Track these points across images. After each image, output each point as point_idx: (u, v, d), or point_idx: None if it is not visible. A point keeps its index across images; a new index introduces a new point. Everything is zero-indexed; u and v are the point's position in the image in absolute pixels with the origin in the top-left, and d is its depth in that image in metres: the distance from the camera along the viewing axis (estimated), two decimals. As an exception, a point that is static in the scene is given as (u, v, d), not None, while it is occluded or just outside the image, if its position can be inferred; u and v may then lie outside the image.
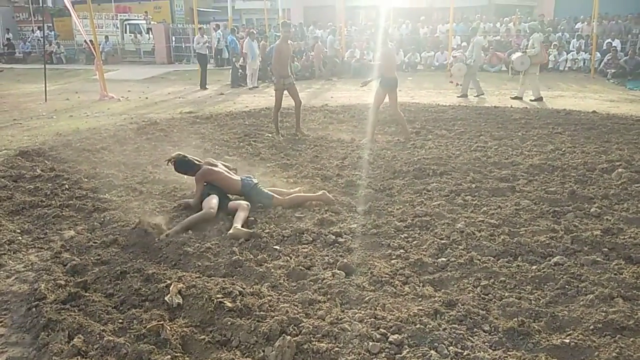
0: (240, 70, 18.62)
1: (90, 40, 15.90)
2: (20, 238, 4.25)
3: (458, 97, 13.06)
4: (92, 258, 3.84)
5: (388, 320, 2.91)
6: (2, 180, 5.81)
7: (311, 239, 4.13)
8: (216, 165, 5.01)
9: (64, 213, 4.77)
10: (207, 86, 17.42)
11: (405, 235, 4.22)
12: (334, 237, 4.13)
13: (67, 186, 5.63)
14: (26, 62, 28.04)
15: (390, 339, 2.74)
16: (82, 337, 2.79)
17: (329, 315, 2.96)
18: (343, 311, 3.02)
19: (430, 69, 21.03)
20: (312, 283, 3.42)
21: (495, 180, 5.68)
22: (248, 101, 13.41)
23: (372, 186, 5.54)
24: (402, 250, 3.93)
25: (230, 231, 4.15)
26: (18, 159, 6.82)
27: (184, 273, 3.54)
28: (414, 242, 4.07)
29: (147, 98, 14.38)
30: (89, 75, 20.97)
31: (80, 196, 5.30)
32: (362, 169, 6.27)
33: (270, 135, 8.47)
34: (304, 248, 3.98)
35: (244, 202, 4.61)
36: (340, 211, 4.76)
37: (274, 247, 3.99)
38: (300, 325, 2.86)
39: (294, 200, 4.93)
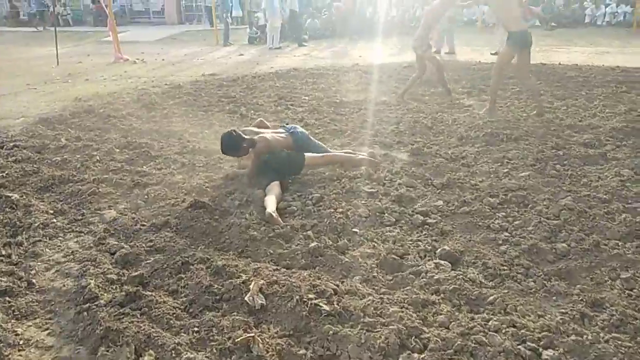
0: (255, 30, 17.74)
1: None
2: (54, 220, 3.67)
3: (492, 54, 12.27)
4: (143, 245, 3.26)
5: (531, 329, 2.32)
6: (24, 151, 5.22)
7: (394, 220, 3.52)
8: (261, 130, 4.43)
9: (100, 189, 4.17)
10: (230, 42, 16.80)
11: (503, 214, 3.59)
12: (421, 217, 3.51)
13: (98, 158, 5.02)
14: (31, 24, 27.06)
15: (544, 356, 2.16)
16: (154, 354, 2.23)
17: (454, 323, 2.38)
18: (471, 318, 2.43)
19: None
20: (414, 277, 2.83)
21: (580, 146, 4.99)
22: (272, 62, 12.64)
23: (442, 154, 4.88)
24: (506, 233, 3.31)
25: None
26: (39, 127, 6.21)
27: (257, 264, 2.96)
28: (516, 223, 3.44)
29: (163, 60, 13.64)
30: (99, 37, 20.15)
31: (115, 169, 4.70)
32: (422, 135, 5.60)
33: (306, 98, 7.76)
34: (389, 231, 3.37)
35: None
36: (415, 185, 4.13)
37: (353, 229, 3.39)
38: (422, 336, 2.29)
39: (331, 159, 4.44)
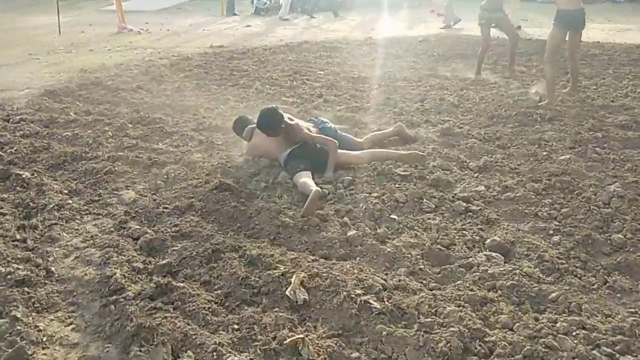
0: (263, 1, 17.23)
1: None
2: (70, 201, 3.44)
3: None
4: (168, 230, 3.04)
5: (603, 331, 2.13)
6: (32, 125, 4.96)
7: (434, 206, 3.30)
8: (293, 118, 4.11)
9: (116, 168, 3.93)
10: (236, 12, 16.39)
11: (549, 200, 3.37)
12: (463, 204, 3.29)
13: (110, 133, 4.77)
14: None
15: (623, 364, 1.97)
16: (193, 355, 2.03)
17: (518, 324, 2.18)
18: (536, 318, 2.23)
19: None
20: (464, 270, 2.62)
21: (616, 128, 4.73)
22: (281, 34, 12.23)
23: (474, 134, 4.64)
24: (556, 223, 3.09)
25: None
26: (45, 100, 5.93)
27: (292, 253, 2.75)
28: (564, 211, 3.21)
29: (168, 30, 13.19)
30: (99, 6, 19.55)
31: (130, 146, 4.45)
32: (450, 114, 5.34)
33: (322, 73, 7.45)
34: (430, 218, 3.16)
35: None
36: (450, 167, 3.90)
37: (391, 216, 3.17)
38: (486, 339, 2.09)
39: (371, 157, 4.00)
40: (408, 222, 3.12)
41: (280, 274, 2.48)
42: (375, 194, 3.41)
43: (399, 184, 3.62)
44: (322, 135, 3.96)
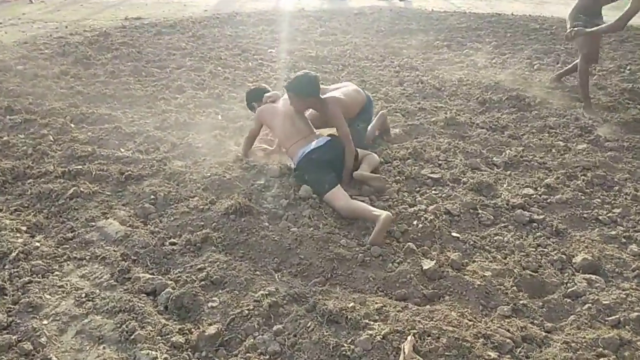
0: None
1: None
2: (37, 244, 2.57)
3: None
4: (192, 277, 2.32)
5: None
6: None
7: (492, 217, 2.90)
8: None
9: (80, 187, 3.05)
10: None
11: (598, 200, 3.11)
12: (522, 212, 2.92)
13: (52, 138, 3.79)
14: None
15: None
16: None
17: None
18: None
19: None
20: (571, 301, 2.26)
21: (609, 110, 4.67)
22: (200, 2, 11.11)
23: (478, 123, 4.30)
24: (621, 228, 2.84)
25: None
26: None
27: (376, 301, 2.20)
28: (617, 211, 2.98)
29: (65, -1, 11.44)
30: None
31: (84, 154, 3.53)
32: (437, 98, 4.97)
33: (273, 51, 6.72)
34: (496, 233, 2.76)
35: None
36: (477, 165, 3.53)
37: (452, 234, 2.73)
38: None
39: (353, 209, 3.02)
40: (474, 240, 2.69)
41: (379, 336, 1.94)
42: (422, 206, 2.94)
43: (435, 189, 3.18)
44: (347, 130, 3.26)
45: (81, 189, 3.03)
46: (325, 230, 2.67)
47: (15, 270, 2.34)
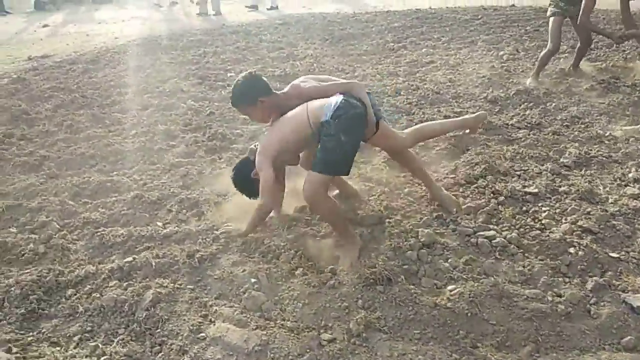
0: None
1: None
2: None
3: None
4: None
5: None
6: None
7: (627, 226, 2.68)
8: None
9: (155, 289, 2.34)
10: (7, 10, 13.04)
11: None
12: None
13: (57, 225, 2.95)
14: None
15: None
16: None
17: None
18: None
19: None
20: None
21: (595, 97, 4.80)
22: (110, 29, 10.00)
23: (514, 124, 4.12)
24: None
25: None
26: None
27: (596, 356, 1.88)
28: None
29: None
30: None
31: (118, 241, 2.75)
32: (447, 104, 4.74)
33: (232, 74, 6.09)
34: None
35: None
36: (558, 170, 3.32)
37: (609, 254, 2.47)
38: None
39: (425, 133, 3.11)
40: (636, 258, 2.46)
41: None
42: (554, 229, 2.66)
43: (543, 205, 2.92)
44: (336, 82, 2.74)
45: (156, 289, 2.32)
46: (490, 282, 2.28)
47: None
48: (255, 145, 2.87)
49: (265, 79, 2.78)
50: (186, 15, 11.59)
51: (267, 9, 11.67)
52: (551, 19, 5.12)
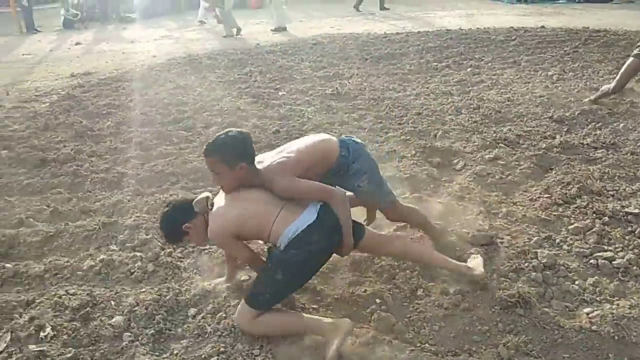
0: (74, 12, 14.26)
1: None
2: None
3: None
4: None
5: None
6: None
7: None
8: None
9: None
10: (37, 28, 13.27)
11: None
12: None
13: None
14: None
15: None
16: None
17: None
18: None
19: None
20: None
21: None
22: (139, 47, 10.07)
23: (588, 143, 4.11)
24: None
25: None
26: None
27: None
28: None
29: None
30: None
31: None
32: (510, 122, 4.74)
33: (284, 93, 6.11)
34: None
35: None
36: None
37: None
38: None
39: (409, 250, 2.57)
40: None
41: None
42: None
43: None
44: (314, 183, 2.31)
45: (283, 310, 2.28)
46: (628, 304, 2.24)
47: None
48: (208, 200, 2.35)
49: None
50: (216, 35, 11.66)
51: (272, 30, 11.63)
52: (631, 58, 4.98)
